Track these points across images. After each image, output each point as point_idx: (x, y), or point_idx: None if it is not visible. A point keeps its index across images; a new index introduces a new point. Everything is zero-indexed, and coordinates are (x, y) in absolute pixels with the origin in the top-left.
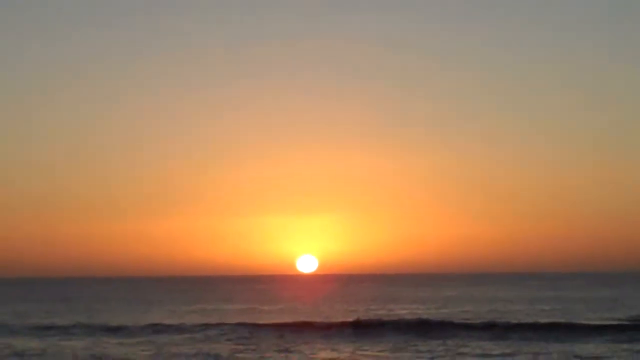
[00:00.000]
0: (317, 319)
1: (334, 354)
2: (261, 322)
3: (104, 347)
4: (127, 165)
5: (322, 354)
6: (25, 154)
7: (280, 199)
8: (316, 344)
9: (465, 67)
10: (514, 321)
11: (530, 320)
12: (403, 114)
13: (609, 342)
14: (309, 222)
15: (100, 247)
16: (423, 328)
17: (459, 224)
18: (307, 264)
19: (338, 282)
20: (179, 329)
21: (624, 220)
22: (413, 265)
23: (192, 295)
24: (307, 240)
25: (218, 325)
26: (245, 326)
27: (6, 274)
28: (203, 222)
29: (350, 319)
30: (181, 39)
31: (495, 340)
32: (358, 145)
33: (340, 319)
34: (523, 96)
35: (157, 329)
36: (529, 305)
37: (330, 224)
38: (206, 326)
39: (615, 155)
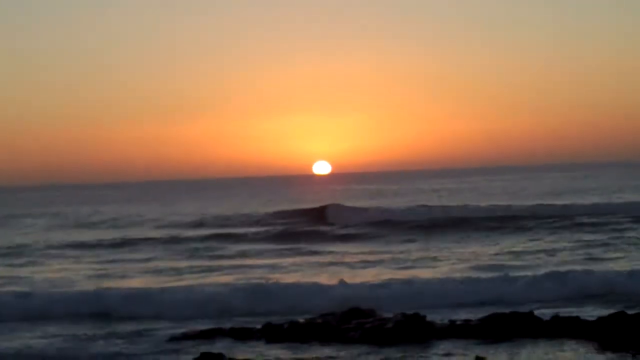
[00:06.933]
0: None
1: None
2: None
3: None
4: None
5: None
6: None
7: (296, 102)
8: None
9: None
10: None
11: None
12: (402, 23)
13: None
14: (324, 123)
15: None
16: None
17: (453, 121)
18: (321, 167)
19: (348, 181)
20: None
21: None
22: (414, 162)
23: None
24: (321, 141)
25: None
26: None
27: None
28: (228, 125)
29: None
30: None
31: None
32: (365, 49)
33: None
34: None
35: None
36: None
37: (343, 124)
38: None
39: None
